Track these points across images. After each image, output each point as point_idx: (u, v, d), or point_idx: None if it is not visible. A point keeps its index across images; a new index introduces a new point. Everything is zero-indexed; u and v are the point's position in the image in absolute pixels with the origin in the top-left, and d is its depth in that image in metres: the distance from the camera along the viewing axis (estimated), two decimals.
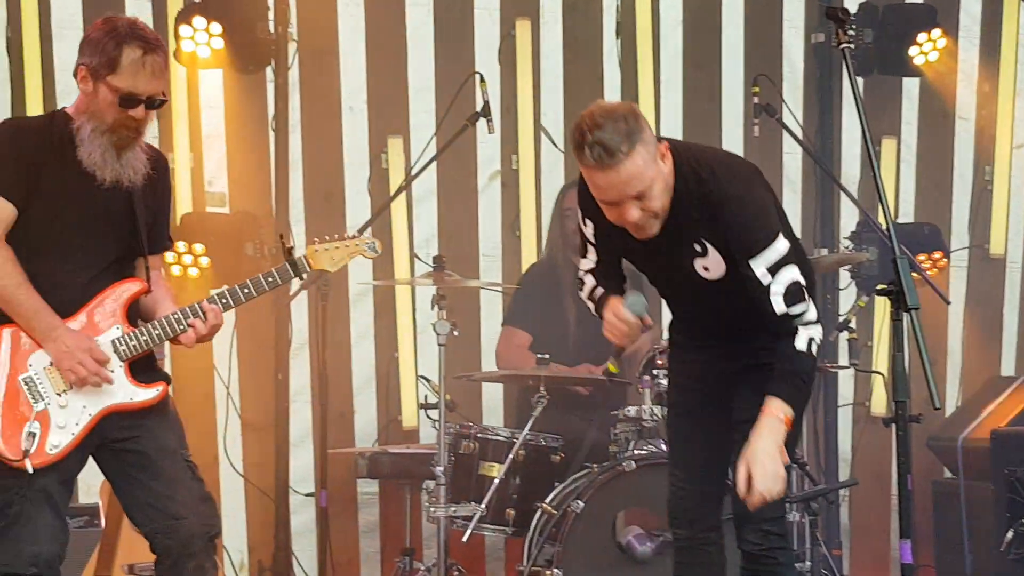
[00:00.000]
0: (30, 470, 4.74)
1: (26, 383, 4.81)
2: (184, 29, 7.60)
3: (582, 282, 5.16)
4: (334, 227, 7.68)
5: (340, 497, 7.79)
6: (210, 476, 7.43)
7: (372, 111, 8.11)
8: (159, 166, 5.04)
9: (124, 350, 4.87)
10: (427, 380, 6.81)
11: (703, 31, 8.46)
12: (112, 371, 4.85)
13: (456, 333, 6.56)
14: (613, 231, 4.86)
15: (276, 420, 7.78)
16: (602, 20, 8.34)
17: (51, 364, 4.81)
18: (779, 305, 4.71)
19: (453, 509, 6.49)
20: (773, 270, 4.71)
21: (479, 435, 6.67)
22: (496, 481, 6.50)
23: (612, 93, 8.31)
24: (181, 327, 4.89)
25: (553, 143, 8.21)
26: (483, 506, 6.49)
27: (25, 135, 4.91)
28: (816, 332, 4.74)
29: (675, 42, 8.41)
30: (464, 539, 6.49)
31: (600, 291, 5.08)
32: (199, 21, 7.60)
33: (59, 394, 4.82)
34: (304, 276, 5.22)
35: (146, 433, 4.88)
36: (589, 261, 5.12)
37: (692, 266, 4.83)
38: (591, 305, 5.14)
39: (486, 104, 7.11)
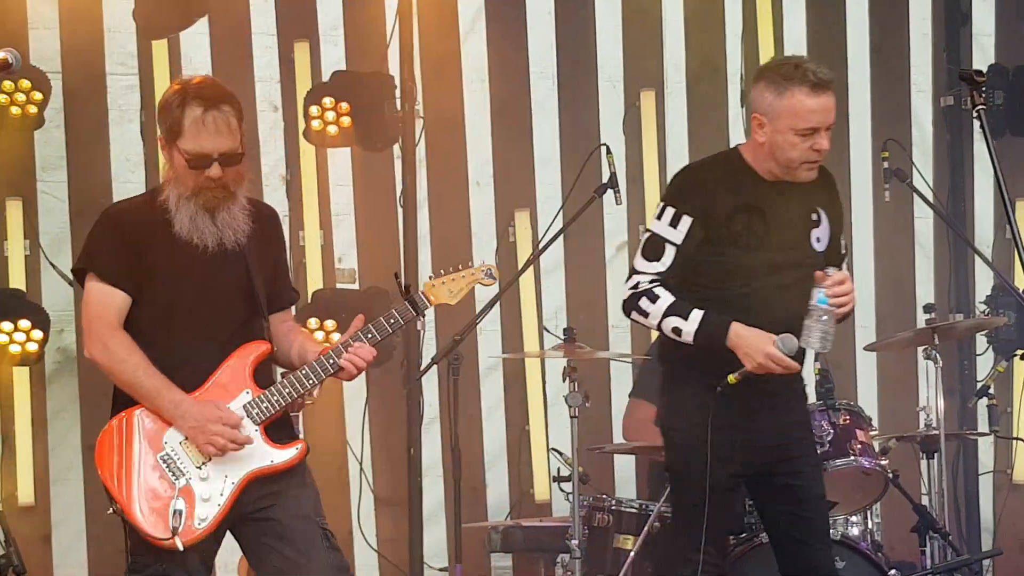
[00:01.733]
0: (180, 548, 4.67)
1: (164, 461, 4.75)
2: (313, 109, 7.72)
3: (650, 296, 5.09)
4: (462, 301, 7.72)
5: (474, 572, 7.75)
6: (344, 552, 7.43)
7: (499, 185, 8.17)
8: (267, 219, 4.95)
9: (256, 413, 4.77)
10: (559, 453, 6.77)
11: None
12: (249, 436, 4.76)
13: (588, 405, 6.53)
14: (736, 213, 5.05)
15: (409, 495, 7.78)
16: (726, 88, 8.35)
17: (186, 439, 4.75)
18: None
19: None
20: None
21: (613, 507, 6.61)
22: (632, 553, 6.43)
23: None
24: (305, 384, 4.77)
25: None
26: None
27: (124, 219, 4.87)
28: None
29: None
30: None
31: (697, 312, 5.04)
32: (328, 100, 7.72)
33: (199, 467, 4.75)
34: (424, 314, 4.98)
35: (282, 500, 4.78)
36: (660, 264, 5.11)
37: (808, 237, 5.10)
38: (675, 321, 5.07)
39: (613, 175, 7.12)
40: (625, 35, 8.28)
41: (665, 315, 5.08)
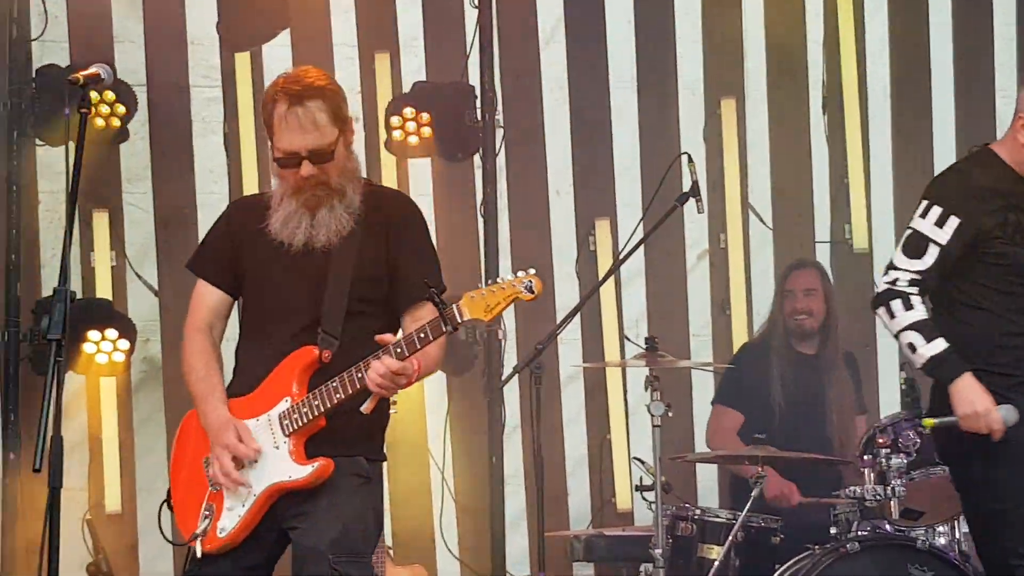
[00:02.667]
0: (198, 553, 4.61)
1: (208, 464, 4.69)
2: (394, 119, 7.76)
3: (905, 302, 5.05)
4: (543, 310, 7.78)
5: None
6: (427, 560, 7.53)
7: (579, 194, 8.17)
8: (392, 211, 4.71)
9: (287, 424, 4.60)
10: (641, 462, 6.73)
11: (912, 104, 8.36)
12: (277, 447, 4.60)
13: (671, 414, 6.51)
14: (1007, 212, 5.00)
15: (491, 503, 7.78)
16: (808, 95, 8.31)
17: None
18: None
19: None
20: None
21: (697, 517, 6.59)
22: (716, 563, 6.41)
23: (820, 168, 8.27)
24: (333, 398, 4.54)
25: (761, 220, 8.18)
26: None
27: (233, 215, 4.83)
28: None
29: (883, 116, 8.34)
30: None
31: (941, 342, 5.01)
32: (408, 111, 7.75)
33: None
34: (455, 329, 4.54)
35: (305, 525, 4.58)
36: (920, 263, 5.06)
37: None
38: (916, 338, 5.04)
39: (695, 184, 7.07)
40: (705, 42, 8.26)
41: (910, 328, 5.05)
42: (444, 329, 4.49)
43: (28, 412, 7.44)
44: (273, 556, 4.73)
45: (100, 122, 7.53)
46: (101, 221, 7.72)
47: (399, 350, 4.49)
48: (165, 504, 4.77)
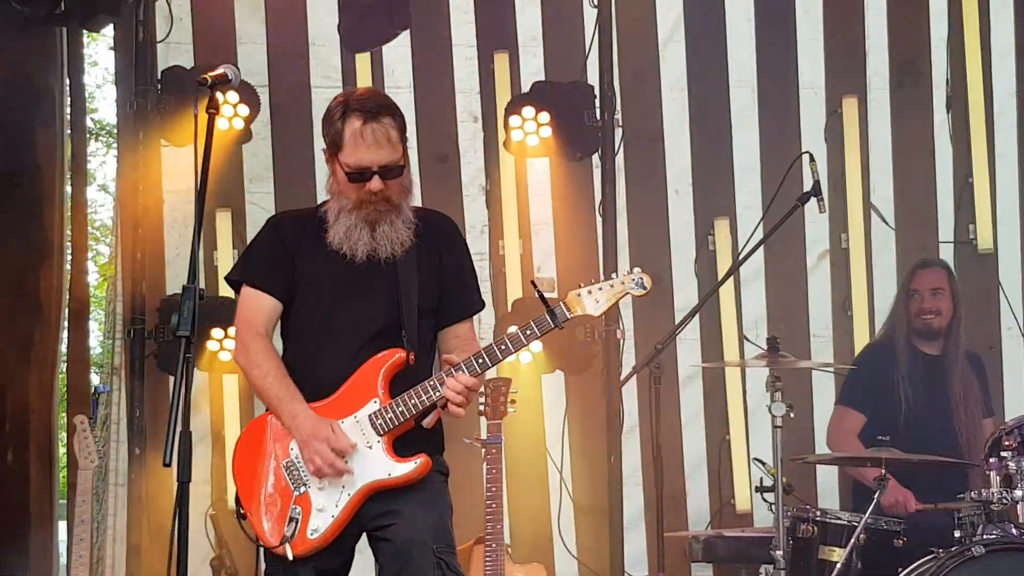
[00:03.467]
0: (290, 556, 4.64)
1: (287, 468, 4.74)
2: (513, 119, 7.77)
3: None
4: (661, 310, 7.76)
5: None
6: (545, 559, 7.53)
7: (698, 193, 8.13)
8: (438, 229, 4.89)
9: (381, 424, 4.69)
10: (762, 463, 6.68)
11: None
12: (370, 446, 4.70)
13: (792, 415, 6.45)
14: None
15: (609, 503, 7.76)
16: (931, 94, 8.19)
17: None
18: None
19: None
20: None
21: (818, 518, 6.53)
22: (838, 566, 6.35)
23: (944, 167, 8.16)
24: (427, 396, 4.67)
25: (884, 220, 8.07)
26: None
27: (283, 227, 4.93)
28: None
29: (1010, 115, 8.21)
30: None
31: None
32: (528, 111, 7.76)
33: (319, 478, 4.71)
34: (563, 325, 4.72)
35: (400, 520, 4.67)
36: None
37: None
38: None
39: (816, 183, 7.00)
40: (826, 41, 8.17)
41: None
42: (552, 325, 4.63)
43: (153, 409, 7.56)
44: (349, 562, 4.82)
45: (224, 124, 7.63)
46: (224, 220, 7.82)
47: (503, 347, 4.65)
48: (237, 517, 4.81)
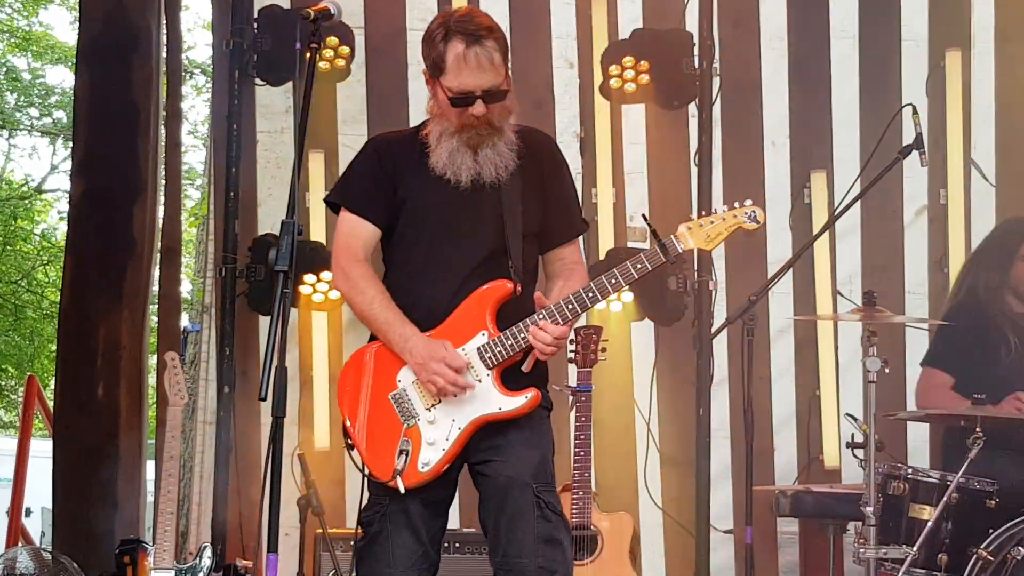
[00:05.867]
0: (402, 489, 4.60)
1: (395, 400, 4.68)
2: (612, 67, 7.69)
3: None
4: (754, 262, 7.67)
5: (759, 535, 7.64)
6: (630, 509, 7.50)
7: (795, 146, 8.03)
8: (539, 148, 4.79)
9: (490, 357, 4.63)
10: (854, 418, 6.59)
11: None
12: (479, 380, 4.64)
13: (887, 370, 6.35)
14: None
15: (696, 456, 7.71)
16: None
17: (417, 379, 4.65)
18: None
19: (884, 551, 6.27)
20: None
21: (909, 476, 6.44)
22: (929, 524, 6.27)
23: None
24: (524, 334, 4.60)
25: (984, 177, 7.92)
26: (915, 549, 6.26)
27: (382, 151, 4.82)
28: None
29: None
30: None
31: None
32: (628, 59, 7.68)
33: (428, 409, 4.65)
34: (674, 259, 4.69)
35: (503, 457, 4.62)
36: None
37: None
38: None
39: (919, 136, 6.85)
40: None
41: None
42: (663, 259, 4.58)
43: (242, 348, 7.59)
44: (452, 494, 4.79)
45: (324, 65, 7.58)
46: (317, 162, 7.80)
47: (614, 281, 4.59)
48: (346, 447, 4.75)
